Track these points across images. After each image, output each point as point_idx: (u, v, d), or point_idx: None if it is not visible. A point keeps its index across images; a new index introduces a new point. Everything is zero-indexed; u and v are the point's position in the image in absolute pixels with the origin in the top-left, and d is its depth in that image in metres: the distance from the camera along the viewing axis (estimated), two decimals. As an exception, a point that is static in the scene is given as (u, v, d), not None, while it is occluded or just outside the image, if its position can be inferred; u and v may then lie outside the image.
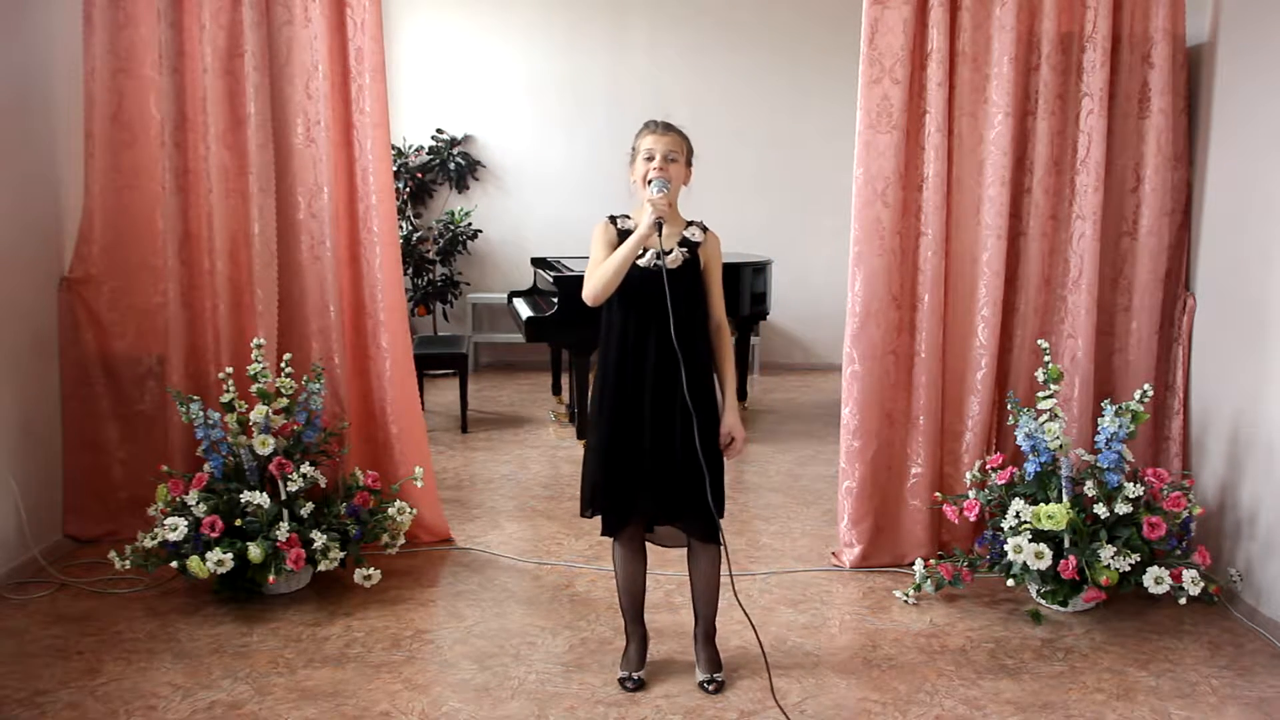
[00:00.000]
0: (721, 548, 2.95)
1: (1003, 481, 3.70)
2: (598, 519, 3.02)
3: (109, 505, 4.18)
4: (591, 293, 2.86)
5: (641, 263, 2.89)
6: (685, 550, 3.08)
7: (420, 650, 3.31)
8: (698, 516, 2.91)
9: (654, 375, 2.87)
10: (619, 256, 2.82)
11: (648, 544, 3.12)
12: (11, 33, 3.82)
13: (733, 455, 2.99)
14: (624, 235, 2.93)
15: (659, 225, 2.82)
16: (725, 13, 8.29)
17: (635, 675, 3.07)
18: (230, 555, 3.47)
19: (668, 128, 2.94)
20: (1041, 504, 3.53)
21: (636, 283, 2.87)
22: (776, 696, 2.96)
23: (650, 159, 2.90)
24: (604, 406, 2.93)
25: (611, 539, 3.06)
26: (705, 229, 3.02)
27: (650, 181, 2.88)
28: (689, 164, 2.98)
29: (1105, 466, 3.53)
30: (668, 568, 3.91)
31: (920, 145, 3.91)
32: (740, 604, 3.21)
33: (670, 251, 2.90)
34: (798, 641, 3.40)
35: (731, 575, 3.12)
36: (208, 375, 4.05)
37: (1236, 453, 3.70)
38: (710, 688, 3.04)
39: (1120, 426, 3.54)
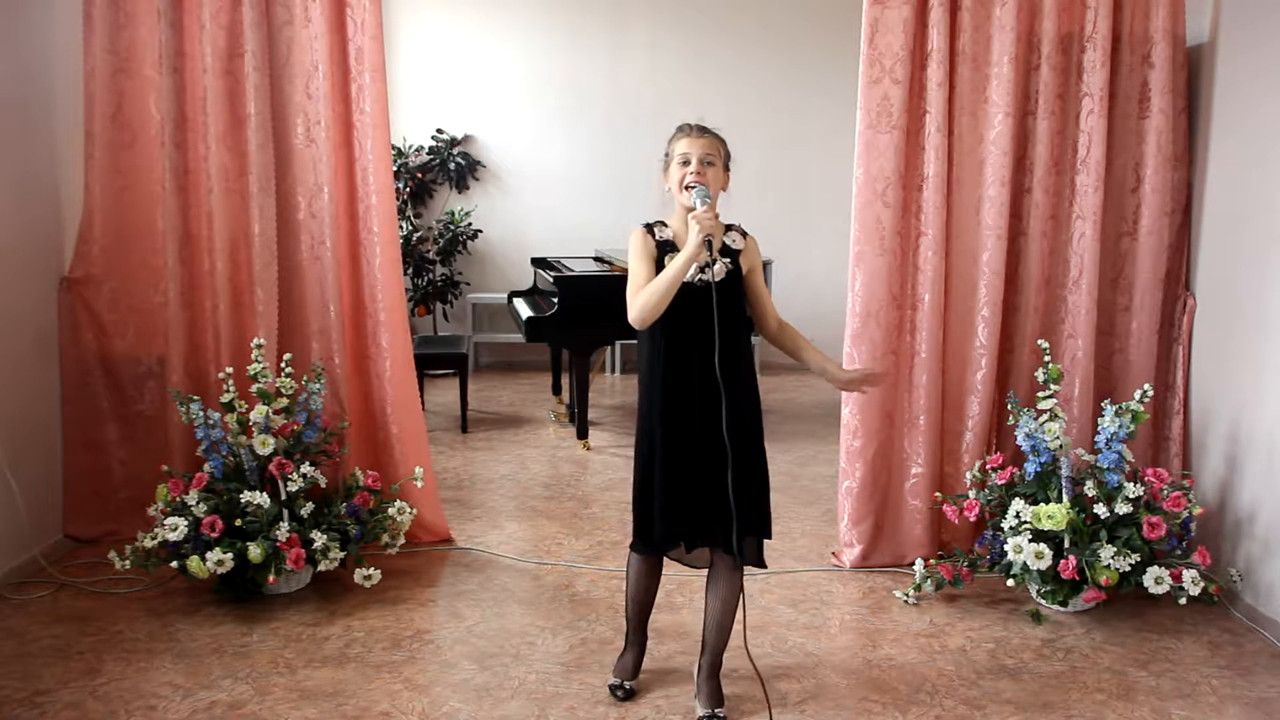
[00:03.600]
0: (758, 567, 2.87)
1: (1003, 481, 3.70)
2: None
3: (109, 505, 4.18)
4: (639, 316, 2.67)
5: (684, 278, 2.67)
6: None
7: (420, 650, 3.31)
8: (749, 542, 2.79)
9: (702, 395, 2.71)
10: (667, 277, 2.63)
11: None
12: (11, 33, 3.82)
13: (877, 382, 2.98)
14: (662, 246, 2.78)
15: (709, 245, 2.62)
16: (725, 13, 8.29)
17: (627, 684, 3.03)
18: (230, 555, 3.47)
19: (703, 130, 2.77)
20: (1041, 504, 3.53)
21: (681, 300, 2.67)
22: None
23: (686, 163, 2.73)
24: (653, 432, 2.75)
25: (630, 554, 2.97)
26: (745, 233, 2.87)
27: (688, 188, 2.70)
28: (726, 168, 2.82)
29: (1105, 466, 3.53)
30: (669, 566, 3.89)
31: (920, 145, 3.91)
32: (749, 653, 2.92)
33: (714, 263, 2.71)
34: (798, 641, 3.40)
35: (745, 618, 2.86)
36: (208, 375, 4.05)
37: (1236, 453, 3.70)
38: None
39: (1120, 426, 3.54)
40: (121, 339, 4.15)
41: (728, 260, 2.79)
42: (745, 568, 2.81)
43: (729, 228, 2.85)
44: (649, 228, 2.83)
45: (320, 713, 2.90)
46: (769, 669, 3.18)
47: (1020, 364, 4.05)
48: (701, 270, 2.71)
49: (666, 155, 2.82)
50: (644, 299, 2.67)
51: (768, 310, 2.91)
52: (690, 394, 2.74)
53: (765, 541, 2.85)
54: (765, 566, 2.91)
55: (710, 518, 2.75)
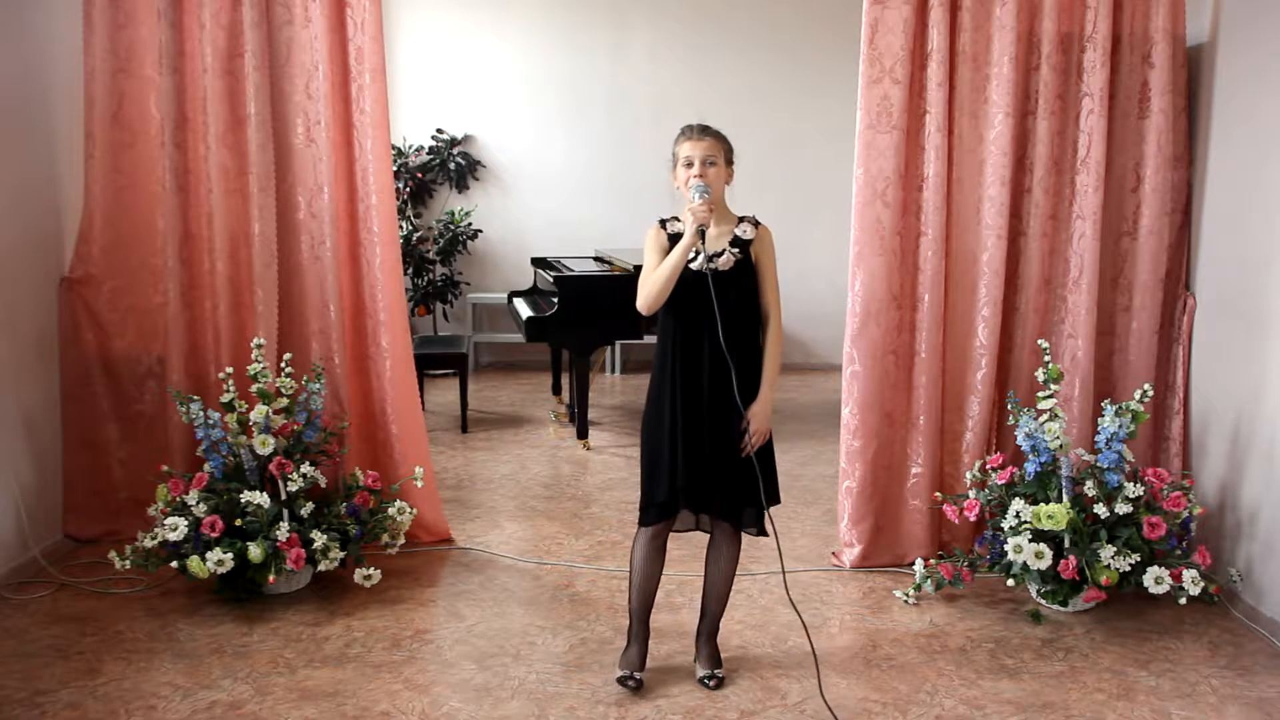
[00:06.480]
0: (772, 535, 3.03)
1: (1003, 481, 3.70)
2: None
3: (109, 505, 4.18)
4: (644, 302, 2.91)
5: (694, 266, 2.90)
6: (691, 546, 3.09)
7: (420, 650, 3.31)
8: (747, 510, 2.99)
9: (710, 377, 2.91)
10: (668, 266, 2.85)
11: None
12: (11, 33, 3.82)
13: (749, 444, 2.93)
14: (674, 238, 2.95)
15: (702, 233, 2.87)
16: (726, 13, 8.28)
17: (636, 675, 3.06)
18: (230, 555, 3.47)
19: (704, 131, 2.95)
20: (1041, 504, 3.53)
21: (688, 287, 2.89)
22: (823, 690, 2.99)
23: (689, 165, 2.91)
24: (662, 409, 2.95)
25: (636, 535, 3.06)
26: (757, 224, 3.02)
27: (690, 187, 2.90)
28: (729, 163, 3.00)
29: (1105, 466, 3.53)
30: (669, 567, 3.90)
31: (920, 145, 3.91)
32: (791, 600, 3.27)
33: (722, 253, 2.92)
34: (798, 641, 3.40)
35: (783, 564, 3.20)
36: (208, 375, 4.05)
37: (1236, 453, 3.70)
38: (710, 683, 3.06)
39: (1120, 426, 3.54)
40: (121, 339, 4.15)
41: (736, 250, 2.95)
42: (765, 539, 3.04)
43: (742, 219, 3.02)
44: (663, 222, 3.04)
45: (320, 713, 2.90)
46: (769, 668, 3.19)
47: (1020, 364, 4.05)
48: (710, 260, 2.89)
49: (672, 156, 3.00)
50: (647, 286, 2.91)
51: (765, 299, 3.02)
52: (699, 371, 2.92)
53: (770, 518, 3.00)
54: (766, 534, 3.03)
55: (711, 485, 2.94)
